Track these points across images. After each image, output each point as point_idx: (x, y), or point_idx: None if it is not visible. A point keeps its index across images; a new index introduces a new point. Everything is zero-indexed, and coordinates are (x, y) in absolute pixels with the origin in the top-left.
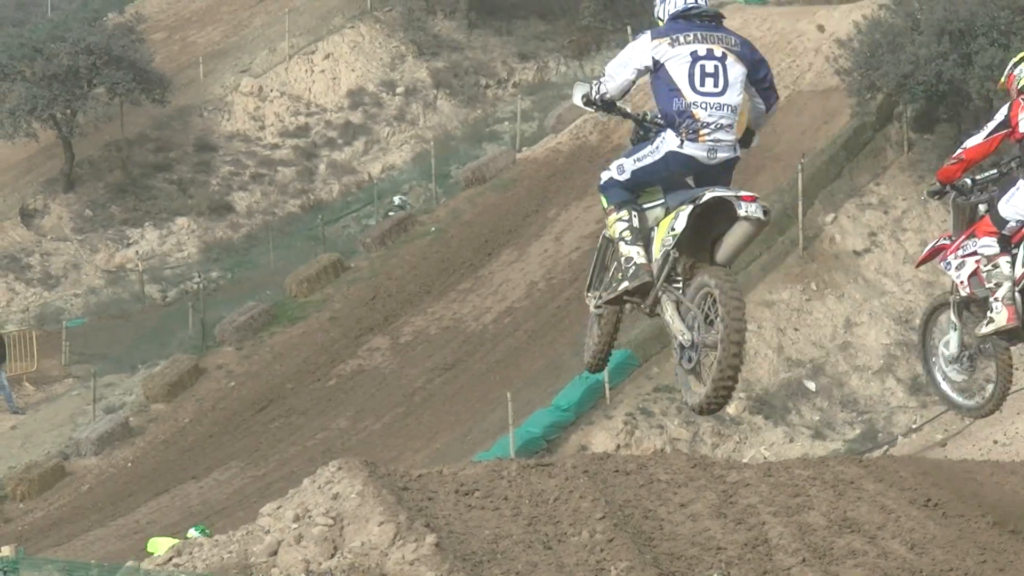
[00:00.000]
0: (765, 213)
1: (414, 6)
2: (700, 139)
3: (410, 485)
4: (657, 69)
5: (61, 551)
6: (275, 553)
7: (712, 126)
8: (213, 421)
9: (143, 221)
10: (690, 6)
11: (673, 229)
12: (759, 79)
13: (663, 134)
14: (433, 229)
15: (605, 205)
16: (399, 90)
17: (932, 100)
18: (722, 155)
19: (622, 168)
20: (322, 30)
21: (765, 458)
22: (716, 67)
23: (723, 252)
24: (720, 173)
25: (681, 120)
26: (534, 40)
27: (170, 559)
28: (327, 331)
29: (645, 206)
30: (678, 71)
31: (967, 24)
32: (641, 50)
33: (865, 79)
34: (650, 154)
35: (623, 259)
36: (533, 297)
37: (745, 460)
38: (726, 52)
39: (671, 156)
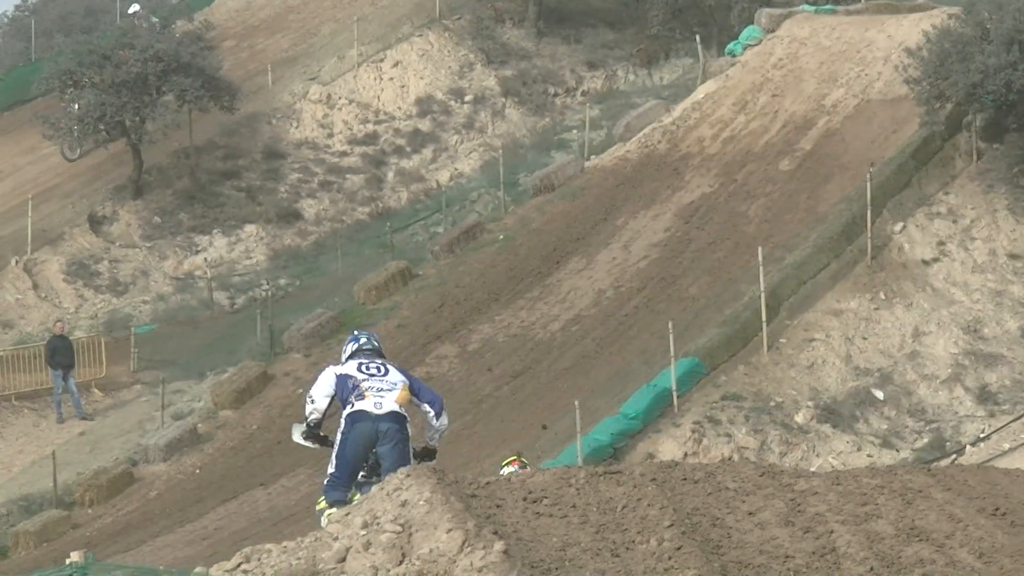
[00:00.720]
0: None
1: (483, 14)
2: (366, 397)
3: (478, 492)
4: (337, 378)
5: (130, 557)
6: (343, 560)
7: (375, 389)
8: (281, 428)
9: (211, 228)
10: (359, 347)
11: None
12: (414, 390)
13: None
14: (501, 237)
15: (324, 503)
16: (467, 98)
17: (1001, 109)
18: (387, 407)
19: (332, 462)
20: (391, 38)
21: (833, 467)
22: (378, 367)
23: None
24: (395, 429)
25: (352, 392)
26: (602, 49)
27: (238, 565)
28: (395, 339)
29: (353, 503)
30: (350, 370)
31: None
32: (327, 376)
33: (934, 88)
34: (340, 432)
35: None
36: (601, 305)
37: (813, 468)
38: (385, 363)
39: (350, 416)
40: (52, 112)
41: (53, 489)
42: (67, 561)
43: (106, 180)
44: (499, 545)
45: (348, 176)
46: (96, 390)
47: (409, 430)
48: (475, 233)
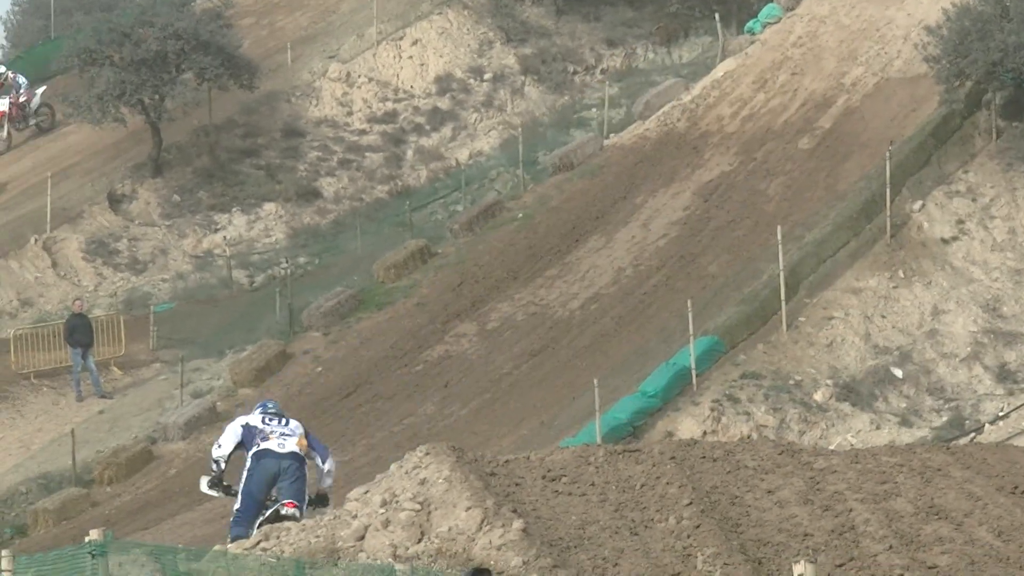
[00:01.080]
0: (300, 512)
1: None
2: (270, 439)
3: (497, 471)
4: (243, 428)
5: (148, 535)
6: (362, 538)
7: (277, 433)
8: (300, 406)
9: (231, 206)
10: (265, 409)
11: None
12: (309, 440)
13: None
14: (520, 215)
15: (228, 538)
16: (487, 76)
17: (1021, 88)
18: (289, 448)
19: (238, 499)
20: (410, 16)
21: (852, 445)
22: (280, 420)
23: None
24: (296, 466)
25: (258, 436)
26: (622, 26)
27: (257, 543)
28: (414, 317)
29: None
30: (254, 420)
31: None
32: (234, 426)
33: (954, 66)
34: (246, 470)
35: None
36: (620, 283)
37: (832, 447)
38: (286, 417)
39: (256, 455)
40: (72, 90)
41: (72, 467)
42: (86, 539)
43: (125, 158)
44: (518, 523)
45: (367, 154)
46: (115, 368)
47: (307, 472)
48: (494, 211)
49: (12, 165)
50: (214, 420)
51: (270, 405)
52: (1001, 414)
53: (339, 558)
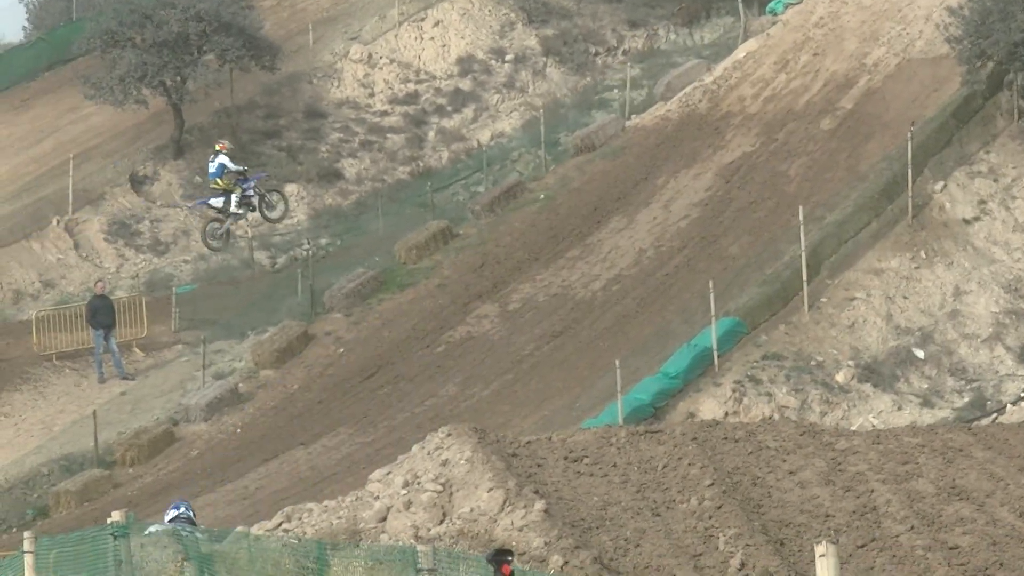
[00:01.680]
0: None
1: None
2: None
3: (519, 451)
4: None
5: None
6: (384, 519)
7: None
8: (322, 387)
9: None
10: (178, 515)
11: None
12: None
13: None
14: (542, 196)
15: None
16: (508, 57)
17: None
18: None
19: None
20: None
21: (873, 426)
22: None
23: None
24: None
25: None
26: (643, 7)
27: (279, 524)
28: (436, 298)
29: None
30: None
31: None
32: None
33: (975, 47)
34: None
35: None
36: (642, 264)
37: (854, 428)
38: (195, 530)
39: None
40: (94, 72)
41: (94, 448)
42: (108, 520)
43: (147, 140)
44: (540, 504)
45: (389, 135)
46: (137, 350)
47: None
48: (516, 192)
49: (34, 147)
50: (236, 402)
51: (183, 510)
52: (1023, 395)
53: (361, 539)
